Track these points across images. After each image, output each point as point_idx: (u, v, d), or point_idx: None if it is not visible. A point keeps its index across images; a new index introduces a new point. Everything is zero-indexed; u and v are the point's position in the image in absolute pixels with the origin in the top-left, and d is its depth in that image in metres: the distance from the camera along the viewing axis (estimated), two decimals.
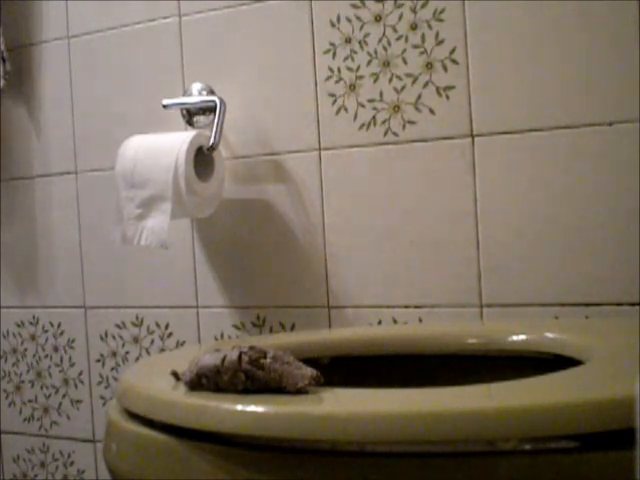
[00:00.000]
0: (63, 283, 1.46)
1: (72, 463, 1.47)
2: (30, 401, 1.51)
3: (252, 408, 0.68)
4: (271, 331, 1.25)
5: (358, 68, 1.18)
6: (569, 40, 1.05)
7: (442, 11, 1.12)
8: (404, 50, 1.14)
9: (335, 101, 1.19)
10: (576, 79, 1.04)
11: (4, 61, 1.44)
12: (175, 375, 0.78)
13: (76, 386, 1.45)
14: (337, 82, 1.19)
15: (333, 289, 1.21)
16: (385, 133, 1.16)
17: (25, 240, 1.49)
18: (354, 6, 1.17)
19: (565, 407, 0.61)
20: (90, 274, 1.43)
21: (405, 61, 1.14)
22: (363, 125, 1.18)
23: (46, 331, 1.48)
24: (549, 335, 0.93)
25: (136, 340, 1.38)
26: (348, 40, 1.18)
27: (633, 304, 1.02)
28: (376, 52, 1.16)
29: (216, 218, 1.27)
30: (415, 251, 1.15)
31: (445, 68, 1.12)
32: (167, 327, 1.35)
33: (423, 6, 1.13)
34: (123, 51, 1.37)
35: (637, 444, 0.49)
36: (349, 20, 1.18)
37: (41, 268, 1.48)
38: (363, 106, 1.17)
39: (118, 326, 1.40)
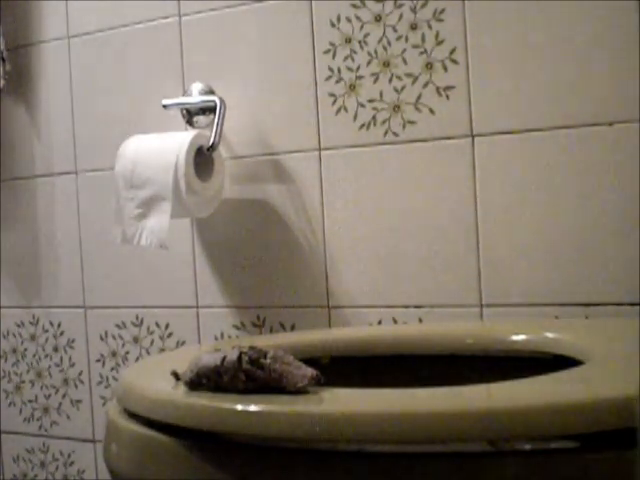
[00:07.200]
0: (63, 283, 1.46)
1: (72, 463, 1.47)
2: (30, 401, 1.51)
3: (252, 408, 0.68)
4: (271, 331, 1.25)
5: (358, 68, 1.18)
6: (569, 40, 1.05)
7: (442, 11, 1.12)
8: (404, 50, 1.14)
9: (335, 101, 1.19)
10: (576, 79, 1.04)
11: (4, 61, 1.44)
12: (175, 375, 0.78)
13: (76, 386, 1.45)
14: (337, 82, 1.19)
15: (333, 289, 1.21)
16: (385, 133, 1.16)
17: (25, 240, 1.49)
18: (354, 6, 1.17)
19: (565, 407, 0.61)
20: (90, 274, 1.43)
21: (405, 61, 1.14)
22: (363, 125, 1.18)
23: (46, 331, 1.48)
24: (549, 335, 0.93)
25: (136, 340, 1.38)
26: (348, 40, 1.18)
27: (633, 304, 1.02)
28: (376, 52, 1.16)
29: (216, 218, 1.27)
30: (415, 251, 1.15)
31: (445, 68, 1.12)
32: (167, 327, 1.35)
33: (423, 6, 1.13)
34: (123, 51, 1.37)
35: (637, 444, 0.49)
36: (349, 20, 1.18)
37: (41, 268, 1.48)
38: (363, 106, 1.17)
39: (118, 326, 1.40)
